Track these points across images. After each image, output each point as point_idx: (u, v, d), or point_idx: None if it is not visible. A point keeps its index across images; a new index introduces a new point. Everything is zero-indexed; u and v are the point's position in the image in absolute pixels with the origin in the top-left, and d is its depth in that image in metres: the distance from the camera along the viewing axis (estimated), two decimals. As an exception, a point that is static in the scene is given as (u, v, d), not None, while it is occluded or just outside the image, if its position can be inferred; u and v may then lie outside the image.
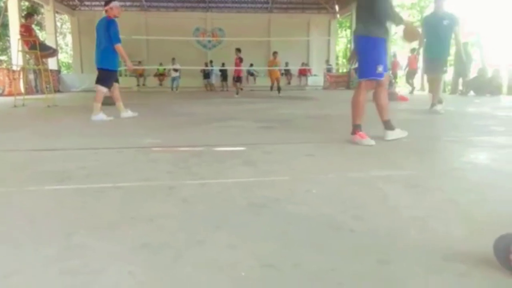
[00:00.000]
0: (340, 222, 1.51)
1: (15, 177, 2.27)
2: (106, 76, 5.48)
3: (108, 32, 5.26)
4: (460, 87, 13.63)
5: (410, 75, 15.18)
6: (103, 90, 5.47)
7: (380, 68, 3.27)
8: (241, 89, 13.59)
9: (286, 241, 1.34)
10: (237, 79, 13.22)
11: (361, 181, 2.13)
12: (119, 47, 5.33)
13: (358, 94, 3.39)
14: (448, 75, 17.90)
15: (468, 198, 1.82)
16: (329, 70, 21.98)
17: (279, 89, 12.98)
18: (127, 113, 5.63)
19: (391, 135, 3.46)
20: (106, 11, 5.41)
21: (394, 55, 16.11)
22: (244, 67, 19.72)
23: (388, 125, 3.49)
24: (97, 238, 1.36)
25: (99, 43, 5.42)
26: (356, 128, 3.32)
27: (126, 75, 21.55)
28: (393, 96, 9.51)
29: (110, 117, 5.33)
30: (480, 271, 1.12)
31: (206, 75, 18.03)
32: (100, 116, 5.31)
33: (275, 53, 13.32)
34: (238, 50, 13.08)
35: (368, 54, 3.31)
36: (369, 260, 1.20)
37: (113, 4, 5.41)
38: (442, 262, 1.17)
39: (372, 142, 3.23)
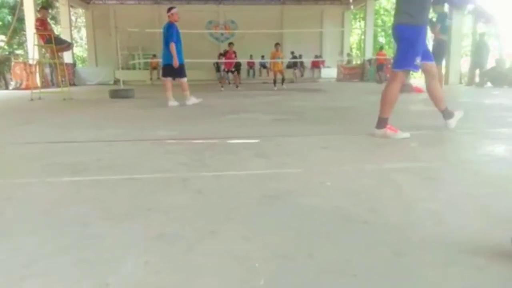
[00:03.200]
0: (354, 214, 1.50)
1: (33, 168, 2.31)
2: (181, 69, 6.61)
3: (168, 33, 6.43)
4: (477, 78, 13.36)
5: None
6: (184, 80, 6.66)
7: (418, 60, 3.15)
8: (240, 83, 13.46)
9: (300, 232, 1.34)
10: (228, 71, 13.16)
11: (375, 173, 2.11)
12: (172, 45, 6.39)
13: (393, 85, 3.24)
14: (465, 66, 17.60)
15: (485, 191, 1.79)
16: (349, 61, 21.69)
17: (283, 80, 12.55)
18: (192, 100, 6.60)
19: (452, 123, 3.43)
20: (168, 16, 6.54)
21: None
22: (255, 59, 19.72)
23: (447, 114, 3.44)
24: (113, 228, 1.38)
25: (165, 43, 6.52)
26: (384, 122, 3.18)
27: (139, 68, 21.73)
28: (408, 88, 9.39)
29: (200, 99, 6.65)
30: (497, 264, 1.10)
31: (218, 68, 18.05)
32: (192, 99, 6.55)
33: (277, 44, 12.77)
34: (232, 43, 13.06)
35: (409, 44, 3.14)
36: (384, 252, 1.19)
37: (173, 10, 6.59)
38: (458, 255, 1.16)
39: (407, 134, 3.12)
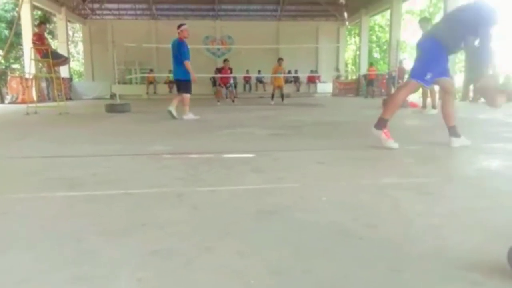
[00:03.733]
0: (351, 229, 1.49)
1: (27, 183, 2.30)
2: (187, 85, 6.76)
3: (179, 51, 6.57)
4: (471, 94, 13.49)
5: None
6: (188, 96, 6.78)
7: (428, 76, 3.27)
8: (236, 97, 13.64)
9: (296, 248, 1.33)
10: (224, 86, 13.43)
11: (372, 188, 2.11)
12: (187, 63, 6.58)
13: (401, 91, 3.47)
14: (459, 82, 17.76)
15: (482, 205, 1.79)
16: (338, 77, 22.00)
17: (282, 96, 12.57)
18: (190, 116, 6.63)
19: (456, 142, 3.42)
20: (178, 33, 6.65)
21: (400, 62, 15.97)
22: (252, 74, 19.88)
23: (453, 132, 3.45)
24: (107, 245, 1.37)
25: (176, 59, 6.68)
26: (383, 123, 3.33)
27: (136, 83, 21.78)
28: (403, 103, 9.46)
29: (197, 116, 6.64)
30: (495, 281, 1.10)
31: (215, 82, 18.17)
32: (190, 115, 6.58)
33: (280, 59, 12.77)
34: (227, 60, 13.50)
35: (428, 57, 3.33)
36: (381, 268, 1.18)
37: (183, 27, 6.69)
38: (456, 271, 1.15)
39: (396, 145, 3.24)
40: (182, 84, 6.77)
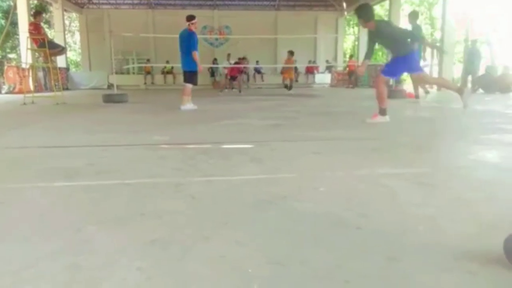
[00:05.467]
0: (347, 219, 1.50)
1: (25, 173, 2.29)
2: (194, 76, 6.84)
3: (189, 41, 6.64)
4: (469, 85, 13.49)
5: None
6: (189, 86, 6.81)
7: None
8: (242, 87, 13.99)
9: (293, 238, 1.34)
10: (232, 78, 13.83)
11: (368, 179, 2.12)
12: (195, 53, 6.63)
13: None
14: (457, 73, 17.75)
15: (477, 196, 1.80)
16: (328, 68, 22.04)
17: (291, 87, 13.06)
18: (188, 106, 6.67)
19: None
20: (189, 25, 6.71)
21: None
22: (250, 65, 19.84)
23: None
24: (105, 234, 1.37)
25: (185, 50, 6.73)
26: (383, 111, 4.52)
27: (133, 73, 21.68)
28: (401, 94, 9.47)
29: (195, 106, 6.64)
30: (490, 270, 1.11)
31: (213, 73, 18.12)
32: (188, 106, 6.62)
33: (290, 52, 13.14)
34: (245, 58, 13.94)
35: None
36: (377, 257, 1.19)
37: (195, 20, 6.78)
38: (451, 260, 1.17)
39: (387, 118, 4.46)
40: (188, 74, 6.81)
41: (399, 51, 4.47)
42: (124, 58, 20.35)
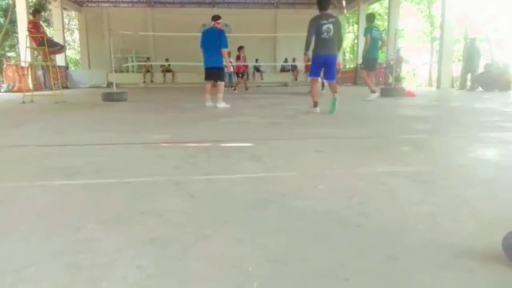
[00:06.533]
0: (347, 217, 1.50)
1: (25, 172, 2.29)
2: (223, 72, 7.07)
3: (220, 39, 6.73)
4: (469, 83, 13.49)
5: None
6: (223, 84, 6.99)
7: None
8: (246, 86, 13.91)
9: (294, 236, 1.34)
10: (241, 75, 13.69)
11: (368, 177, 2.12)
12: (225, 51, 6.77)
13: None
14: (456, 71, 17.74)
15: (477, 194, 1.80)
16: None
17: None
18: (223, 104, 6.73)
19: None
20: (214, 24, 6.93)
21: (398, 50, 15.76)
22: (250, 63, 19.83)
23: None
24: (105, 233, 1.37)
25: (213, 47, 6.76)
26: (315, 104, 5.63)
27: (133, 71, 21.66)
28: (400, 92, 9.46)
29: (228, 105, 6.69)
30: (489, 268, 1.11)
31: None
32: (223, 104, 6.68)
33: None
34: (242, 47, 13.48)
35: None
36: (377, 255, 1.19)
37: (220, 20, 7.03)
38: (451, 258, 1.17)
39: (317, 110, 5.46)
40: (216, 71, 6.87)
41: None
42: (124, 57, 20.31)
